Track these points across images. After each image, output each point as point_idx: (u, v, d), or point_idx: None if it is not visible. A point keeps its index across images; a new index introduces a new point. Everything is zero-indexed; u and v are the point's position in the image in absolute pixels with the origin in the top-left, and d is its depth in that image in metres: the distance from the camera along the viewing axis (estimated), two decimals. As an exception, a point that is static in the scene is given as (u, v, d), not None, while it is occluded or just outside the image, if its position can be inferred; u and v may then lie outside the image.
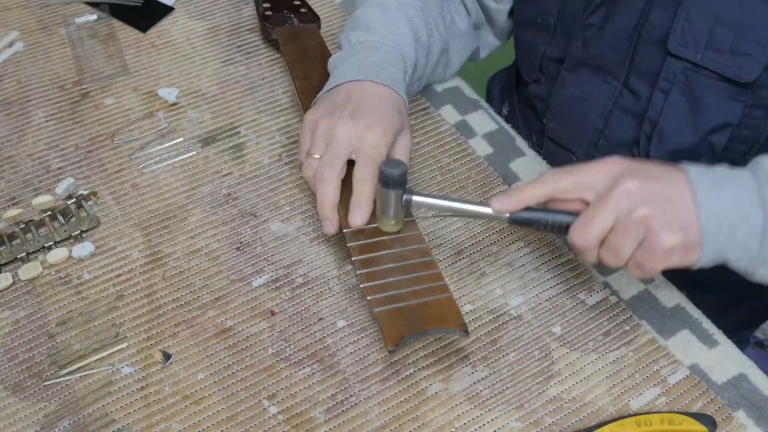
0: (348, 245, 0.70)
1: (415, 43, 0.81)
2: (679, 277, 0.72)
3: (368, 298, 0.65)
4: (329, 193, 0.70)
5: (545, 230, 0.65)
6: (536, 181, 0.64)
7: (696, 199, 0.58)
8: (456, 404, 0.66)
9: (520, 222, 0.65)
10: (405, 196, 0.67)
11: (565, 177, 0.63)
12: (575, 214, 0.63)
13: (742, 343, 1.01)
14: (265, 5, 0.96)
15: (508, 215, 0.65)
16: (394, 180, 0.66)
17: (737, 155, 0.76)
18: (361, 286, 0.67)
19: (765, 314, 1.02)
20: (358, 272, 0.67)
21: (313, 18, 0.95)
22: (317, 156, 0.72)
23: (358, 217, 0.69)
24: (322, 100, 0.76)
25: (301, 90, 0.84)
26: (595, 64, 0.80)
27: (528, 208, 0.64)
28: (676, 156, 0.77)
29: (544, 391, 0.67)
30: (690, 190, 0.59)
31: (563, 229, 0.64)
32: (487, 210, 0.65)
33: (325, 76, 0.80)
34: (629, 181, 0.59)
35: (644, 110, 0.77)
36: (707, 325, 0.72)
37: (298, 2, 0.98)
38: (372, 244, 0.69)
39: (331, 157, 0.71)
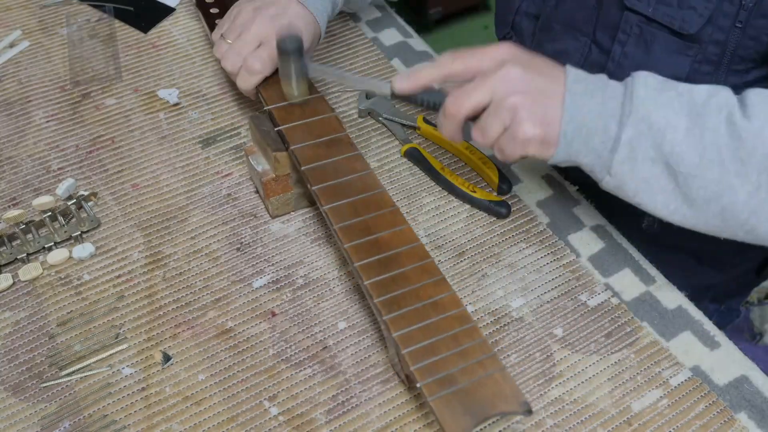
0: (383, 318, 0.61)
1: None
2: (654, 239, 0.82)
3: (418, 385, 0.58)
4: (251, 80, 0.79)
5: (428, 108, 0.69)
6: (433, 65, 0.66)
7: (564, 101, 0.62)
8: (457, 406, 0.65)
9: (403, 99, 0.69)
10: (303, 62, 0.73)
11: (459, 60, 0.65)
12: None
13: (732, 311, 1.03)
14: (218, 21, 0.88)
15: (390, 90, 0.68)
16: (287, 47, 0.71)
17: None
18: (412, 368, 0.59)
19: (750, 282, 1.04)
20: (403, 352, 0.59)
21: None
22: (229, 41, 0.80)
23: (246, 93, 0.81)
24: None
25: (281, 120, 0.77)
26: (566, 22, 0.83)
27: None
28: None
29: (545, 392, 0.67)
30: (562, 91, 0.63)
31: (440, 106, 0.67)
32: (384, 88, 0.69)
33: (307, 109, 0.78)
34: (513, 68, 0.63)
35: (606, 62, 0.81)
36: (709, 326, 0.72)
37: None
38: (410, 315, 0.62)
39: (240, 47, 0.79)
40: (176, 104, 0.90)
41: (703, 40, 0.73)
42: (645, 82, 0.62)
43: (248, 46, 0.79)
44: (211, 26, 0.87)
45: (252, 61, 0.78)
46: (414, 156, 0.83)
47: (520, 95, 0.62)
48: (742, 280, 1.02)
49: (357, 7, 1.00)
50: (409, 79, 0.67)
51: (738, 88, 0.64)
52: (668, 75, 0.72)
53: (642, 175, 0.62)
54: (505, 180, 0.81)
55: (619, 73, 0.79)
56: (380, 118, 0.85)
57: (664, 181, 0.62)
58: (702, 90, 0.62)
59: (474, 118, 0.65)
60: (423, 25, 2.33)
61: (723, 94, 0.61)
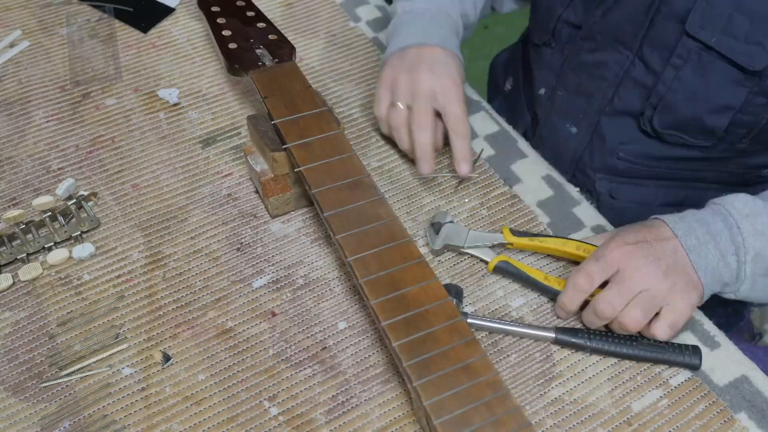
0: (413, 385, 0.58)
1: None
2: None
3: None
4: (427, 137, 0.77)
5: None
6: (572, 289, 0.69)
7: (691, 262, 0.67)
8: (457, 406, 0.65)
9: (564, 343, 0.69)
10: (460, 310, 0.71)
11: (596, 279, 0.68)
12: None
13: (738, 314, 1.03)
14: (225, 33, 0.84)
15: (554, 336, 0.69)
16: (450, 292, 0.71)
17: (736, 138, 0.80)
18: None
19: None
20: (435, 422, 0.56)
21: (287, 48, 0.82)
22: (402, 105, 0.78)
23: (465, 167, 0.77)
24: (391, 62, 0.81)
25: (302, 161, 0.71)
26: (611, 34, 0.82)
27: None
28: (678, 127, 0.81)
29: (545, 392, 0.67)
30: (684, 253, 0.67)
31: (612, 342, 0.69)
32: (547, 335, 0.69)
33: (322, 134, 0.74)
34: (646, 261, 0.66)
35: (654, 83, 0.80)
36: (709, 326, 0.72)
37: (263, 25, 0.86)
38: (440, 381, 0.58)
39: (421, 106, 0.77)
40: (176, 104, 0.90)
41: (764, 75, 0.73)
42: (740, 212, 0.68)
43: (429, 105, 0.77)
44: (213, 26, 0.86)
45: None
46: (505, 270, 0.74)
47: (666, 280, 0.66)
48: None
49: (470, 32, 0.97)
50: (561, 312, 0.71)
51: None
52: (722, 104, 0.74)
53: (762, 287, 0.69)
54: None
55: (669, 97, 0.79)
56: (462, 250, 0.76)
57: None
58: None
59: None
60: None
61: None
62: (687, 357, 0.67)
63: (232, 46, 0.82)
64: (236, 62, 0.80)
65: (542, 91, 0.94)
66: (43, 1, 1.02)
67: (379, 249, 0.65)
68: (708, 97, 0.76)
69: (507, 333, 0.70)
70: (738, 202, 0.69)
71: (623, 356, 0.68)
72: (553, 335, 0.68)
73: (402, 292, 0.62)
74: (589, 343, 0.68)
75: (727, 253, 0.68)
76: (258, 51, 0.81)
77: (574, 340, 0.68)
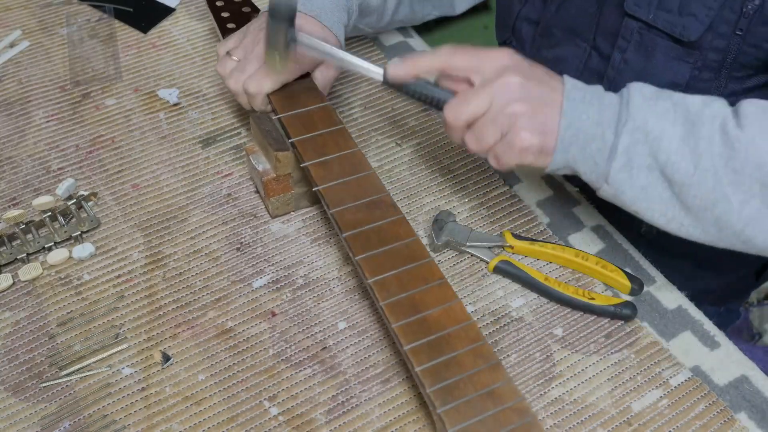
0: (437, 411, 0.57)
1: None
2: (652, 243, 0.81)
3: None
4: (255, 102, 0.77)
5: (420, 100, 0.68)
6: (431, 54, 0.66)
7: (563, 108, 0.63)
8: (457, 406, 0.65)
9: (396, 87, 0.68)
10: (290, 33, 0.69)
11: (459, 56, 0.65)
12: (453, 93, 0.66)
13: (731, 313, 1.03)
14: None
15: (382, 76, 0.67)
16: (280, 11, 0.67)
17: None
18: None
19: (749, 285, 1.04)
20: None
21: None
22: (235, 58, 0.78)
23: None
24: (259, 17, 0.81)
25: (319, 180, 0.70)
26: (567, 28, 0.83)
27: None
28: None
29: (545, 392, 0.67)
30: (561, 100, 0.63)
31: (438, 104, 0.67)
32: (377, 73, 0.68)
33: (340, 151, 0.72)
34: (513, 77, 0.63)
35: (605, 69, 0.80)
36: (709, 326, 0.72)
37: None
38: (465, 407, 0.57)
39: (242, 67, 0.77)
40: (176, 104, 0.90)
41: (704, 47, 0.73)
42: (641, 91, 0.63)
43: (251, 66, 0.76)
44: (219, 21, 0.86)
45: (249, 83, 0.76)
46: (506, 270, 0.74)
47: (520, 104, 0.62)
48: (741, 284, 1.02)
49: (374, 26, 0.93)
50: (405, 66, 0.67)
51: (738, 95, 0.65)
52: (668, 82, 0.73)
53: (639, 183, 0.63)
54: (635, 279, 0.74)
55: (618, 80, 0.79)
56: (463, 248, 0.76)
57: (660, 189, 0.62)
58: (696, 100, 0.62)
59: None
60: (423, 25, 2.32)
61: (717, 103, 0.62)
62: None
63: None
64: None
65: None
66: (43, 1, 1.02)
67: (400, 270, 0.64)
68: (654, 75, 0.76)
69: (338, 62, 0.70)
70: (646, 86, 0.64)
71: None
72: (381, 76, 0.68)
73: (424, 314, 0.61)
74: (425, 89, 0.67)
75: (606, 124, 0.63)
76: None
77: (408, 84, 0.67)
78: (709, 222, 0.62)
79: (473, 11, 1.03)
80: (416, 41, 1.01)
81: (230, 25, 0.86)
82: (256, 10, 0.89)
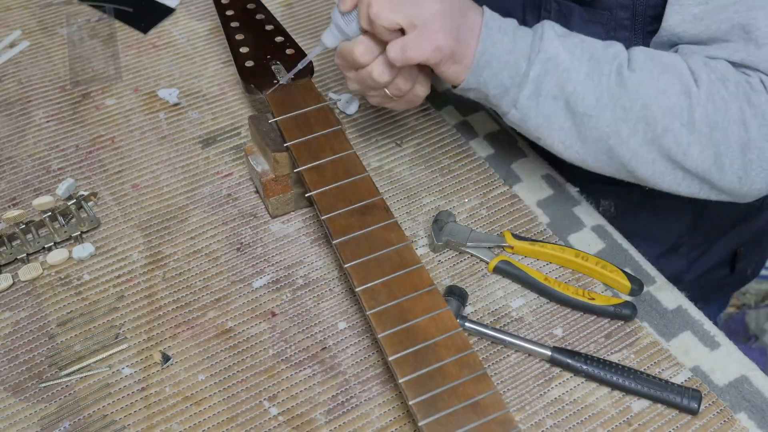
0: (419, 424, 0.57)
1: None
2: (614, 222, 0.81)
3: None
4: None
5: None
6: None
7: (480, 33, 0.66)
8: (457, 406, 0.65)
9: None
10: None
11: None
12: None
13: (719, 302, 1.03)
14: (242, 50, 0.82)
15: (550, 353, 0.67)
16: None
17: None
18: None
19: (724, 281, 1.04)
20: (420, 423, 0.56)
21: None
22: None
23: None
24: None
25: (312, 185, 0.70)
26: (499, 8, 0.82)
27: None
28: None
29: (545, 392, 0.67)
30: (479, 23, 0.67)
31: None
32: (544, 351, 0.68)
33: (334, 155, 0.72)
34: (435, 5, 0.64)
35: None
36: (709, 326, 0.72)
37: (281, 39, 0.84)
38: (448, 420, 0.57)
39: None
40: (176, 104, 0.90)
41: (612, 7, 0.75)
42: (552, 27, 0.68)
43: None
44: (231, 42, 0.84)
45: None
46: (506, 270, 0.74)
47: (441, 4, 0.64)
48: (717, 278, 1.02)
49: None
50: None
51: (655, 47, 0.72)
52: None
53: (544, 111, 0.68)
54: (635, 280, 0.73)
55: None
56: (463, 248, 0.76)
57: (562, 118, 0.68)
58: (600, 42, 0.69)
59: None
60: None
61: (617, 46, 0.68)
62: (685, 400, 0.65)
63: (249, 64, 0.81)
64: (252, 82, 0.79)
65: None
66: (43, 1, 1.02)
67: (389, 277, 0.63)
68: None
69: (502, 343, 0.69)
70: (557, 26, 0.69)
71: (618, 387, 0.66)
72: (549, 353, 0.67)
73: (410, 323, 0.61)
74: (584, 367, 0.66)
75: (519, 54, 0.67)
76: (274, 67, 0.80)
77: (569, 361, 0.67)
78: (601, 151, 0.69)
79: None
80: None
81: (234, 24, 0.86)
82: (261, 6, 0.89)
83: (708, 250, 0.97)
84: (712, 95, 0.66)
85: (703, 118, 0.66)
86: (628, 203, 0.79)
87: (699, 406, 0.65)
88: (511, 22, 0.69)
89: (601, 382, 0.66)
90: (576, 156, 0.70)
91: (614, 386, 0.66)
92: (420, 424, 0.56)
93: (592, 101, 0.66)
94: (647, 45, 0.76)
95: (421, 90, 0.73)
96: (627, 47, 0.75)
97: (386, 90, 0.70)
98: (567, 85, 0.66)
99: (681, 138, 0.66)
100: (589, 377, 0.67)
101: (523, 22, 0.82)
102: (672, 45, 0.72)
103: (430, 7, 0.64)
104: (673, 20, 0.70)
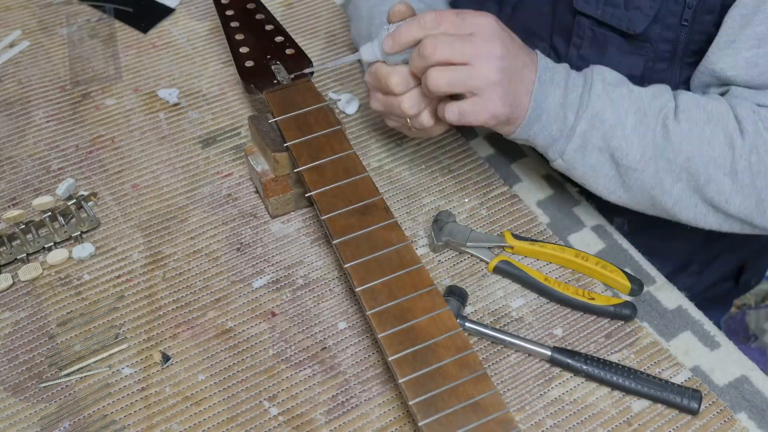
0: (419, 424, 0.56)
1: None
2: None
3: None
4: None
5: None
6: (417, 24, 0.65)
7: (534, 89, 0.67)
8: (457, 406, 0.65)
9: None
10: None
11: (445, 25, 0.65)
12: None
13: (721, 310, 1.03)
14: (242, 50, 0.82)
15: (550, 353, 0.67)
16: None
17: None
18: None
19: (729, 292, 1.05)
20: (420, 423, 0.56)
21: (303, 62, 0.81)
22: None
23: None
24: None
25: (312, 185, 0.70)
26: (525, 28, 0.83)
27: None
28: None
29: (545, 392, 0.67)
30: (533, 78, 0.67)
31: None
32: (544, 351, 0.68)
33: (334, 155, 0.72)
34: (498, 46, 0.64)
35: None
36: (709, 326, 0.72)
37: (281, 39, 0.84)
38: (448, 420, 0.56)
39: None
40: (176, 104, 0.90)
41: (653, 39, 0.75)
42: (602, 77, 0.68)
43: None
44: (231, 42, 0.84)
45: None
46: (506, 270, 0.74)
47: (500, 73, 0.64)
48: (720, 290, 1.02)
49: None
50: (393, 38, 0.66)
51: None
52: (624, 74, 0.74)
53: (590, 161, 0.69)
54: (635, 280, 0.73)
55: None
56: (463, 248, 0.76)
57: (607, 168, 0.69)
58: (648, 92, 0.69)
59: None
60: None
61: (665, 96, 0.69)
62: (685, 400, 0.65)
63: (249, 64, 0.81)
64: (251, 82, 0.79)
65: None
66: (43, 1, 1.02)
67: (389, 278, 0.63)
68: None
69: (502, 343, 0.69)
70: (608, 72, 0.69)
71: (618, 387, 0.66)
72: (549, 353, 0.67)
73: (411, 323, 0.61)
74: (584, 367, 0.66)
75: (569, 107, 0.68)
76: (273, 67, 0.80)
77: (569, 361, 0.67)
78: (645, 199, 0.71)
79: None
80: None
81: (234, 24, 0.85)
82: (261, 6, 0.89)
83: (715, 265, 0.98)
84: (757, 146, 0.67)
85: (746, 168, 0.67)
86: (641, 221, 0.79)
87: (699, 406, 0.65)
88: (563, 71, 0.69)
89: (602, 382, 0.66)
90: (619, 200, 0.72)
91: (614, 386, 0.66)
92: (420, 424, 0.56)
93: (637, 156, 0.68)
94: (686, 76, 0.76)
95: (441, 129, 0.73)
96: (665, 78, 0.76)
97: (408, 120, 0.70)
98: (612, 140, 0.67)
99: (723, 187, 0.67)
100: (590, 377, 0.67)
101: (552, 45, 0.82)
102: (716, 82, 0.72)
103: (489, 77, 0.64)
104: (724, 64, 0.70)
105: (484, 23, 0.65)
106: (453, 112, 0.66)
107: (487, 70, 0.64)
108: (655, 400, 0.66)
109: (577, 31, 0.79)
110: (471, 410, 0.57)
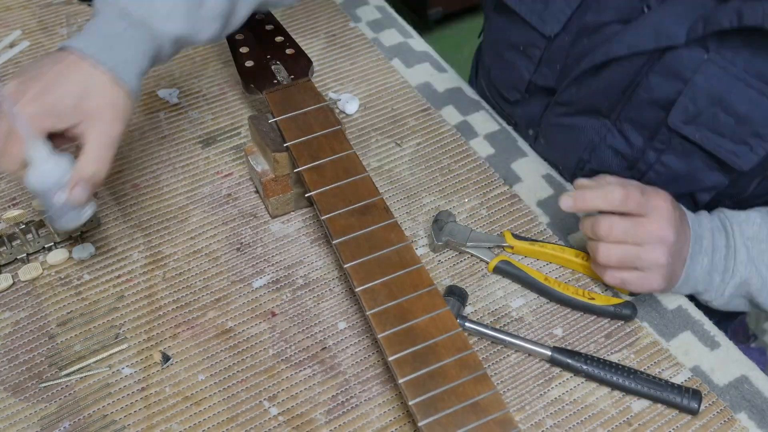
0: (418, 424, 0.57)
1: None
2: None
3: None
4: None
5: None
6: (600, 192, 0.67)
7: (686, 264, 0.69)
8: (457, 406, 0.65)
9: (558, 363, 0.68)
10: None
11: (630, 201, 0.66)
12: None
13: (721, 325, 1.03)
14: (242, 50, 0.83)
15: (550, 353, 0.68)
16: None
17: (718, 206, 0.77)
18: None
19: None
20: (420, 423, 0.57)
21: (303, 62, 0.81)
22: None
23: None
24: (41, 60, 0.65)
25: (312, 185, 0.70)
26: (587, 103, 0.80)
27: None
28: None
29: (545, 392, 0.67)
30: (686, 254, 0.69)
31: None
32: (544, 351, 0.68)
33: (334, 155, 0.72)
34: (669, 230, 0.66)
35: (635, 159, 0.78)
36: (709, 326, 0.72)
37: (281, 39, 0.84)
38: (448, 420, 0.57)
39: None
40: (176, 104, 0.90)
41: (746, 172, 0.72)
42: (742, 235, 0.70)
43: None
44: (231, 42, 0.83)
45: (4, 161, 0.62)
46: (506, 270, 0.74)
47: (668, 258, 0.67)
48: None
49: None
50: (575, 201, 0.68)
51: None
52: (707, 186, 0.75)
53: (731, 305, 0.72)
54: None
55: (650, 175, 0.77)
56: (463, 248, 0.76)
57: (742, 305, 0.73)
58: None
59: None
60: (423, 25, 2.33)
61: None
62: (685, 400, 0.65)
63: (249, 64, 0.81)
64: (251, 82, 0.79)
65: (530, 131, 0.91)
66: (43, 1, 1.02)
67: (389, 278, 0.63)
68: (692, 181, 0.75)
69: (502, 343, 0.69)
70: (747, 226, 0.70)
71: (618, 387, 0.66)
72: (549, 353, 0.67)
73: (411, 323, 0.61)
74: (584, 367, 0.66)
75: (715, 270, 0.70)
76: (273, 67, 0.80)
77: (569, 361, 0.67)
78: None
79: (473, 11, 1.02)
80: (416, 41, 1.01)
81: (243, 48, 0.83)
82: (271, 19, 0.86)
83: None
84: None
85: None
86: None
87: (699, 406, 0.65)
88: (708, 235, 0.70)
89: (602, 382, 0.66)
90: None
91: (614, 386, 0.66)
92: (420, 424, 0.56)
93: (767, 301, 0.71)
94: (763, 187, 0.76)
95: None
96: (745, 188, 0.76)
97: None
98: (752, 293, 0.70)
99: None
100: (589, 377, 0.67)
101: (620, 131, 0.78)
102: None
103: (658, 261, 0.66)
104: None
105: (663, 207, 0.67)
106: (614, 279, 0.69)
107: (659, 255, 0.66)
108: (655, 400, 0.66)
109: (662, 138, 0.74)
110: (471, 410, 0.57)
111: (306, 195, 0.70)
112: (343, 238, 0.66)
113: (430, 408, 0.57)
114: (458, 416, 0.57)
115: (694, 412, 0.65)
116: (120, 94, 0.64)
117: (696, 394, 0.65)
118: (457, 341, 0.60)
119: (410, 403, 0.57)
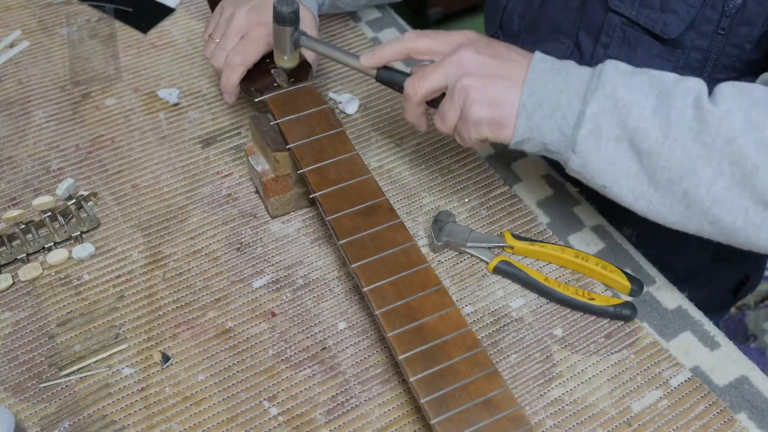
0: (431, 422, 0.57)
1: None
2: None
3: None
4: (231, 76, 0.78)
5: (390, 86, 0.71)
6: (397, 40, 0.69)
7: (526, 78, 0.63)
8: (457, 406, 0.65)
9: (385, 81, 0.71)
10: (295, 34, 0.75)
11: (422, 39, 0.68)
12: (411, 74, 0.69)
13: (718, 317, 1.03)
14: None
15: (375, 72, 0.71)
16: (283, 17, 0.73)
17: None
18: None
19: (727, 302, 1.05)
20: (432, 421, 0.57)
21: (303, 66, 0.81)
22: (216, 40, 0.80)
23: (226, 98, 0.81)
24: None
25: (316, 186, 0.70)
26: (551, 23, 0.83)
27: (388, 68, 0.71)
28: None
29: (545, 393, 0.67)
30: (522, 74, 0.63)
31: (401, 87, 0.69)
32: (356, 63, 0.71)
33: (337, 156, 0.72)
34: (466, 52, 0.64)
35: (588, 64, 0.78)
36: (709, 327, 0.72)
37: None
38: (460, 417, 0.57)
39: (224, 43, 0.79)
40: (176, 104, 0.90)
41: (686, 46, 0.74)
42: (616, 66, 0.62)
43: (231, 41, 0.79)
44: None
45: (231, 56, 0.77)
46: (505, 271, 0.74)
47: (471, 77, 0.63)
48: (718, 300, 1.03)
49: (352, 4, 0.98)
50: (373, 55, 0.70)
51: None
52: None
53: (607, 154, 0.61)
54: (635, 280, 0.73)
55: None
56: (463, 248, 0.75)
57: (628, 162, 0.60)
58: (673, 75, 0.61)
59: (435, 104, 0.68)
60: (423, 25, 2.33)
61: (693, 80, 0.60)
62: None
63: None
64: (252, 86, 0.79)
65: None
66: (43, 1, 1.02)
67: (396, 277, 0.63)
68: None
69: (331, 57, 0.74)
70: (622, 64, 0.62)
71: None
72: (375, 72, 0.71)
73: (420, 322, 0.61)
74: (392, 77, 0.71)
75: (572, 92, 0.61)
76: (273, 70, 0.79)
77: (397, 77, 0.70)
78: (677, 197, 0.60)
79: (473, 11, 1.03)
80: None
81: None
82: None
83: (719, 279, 0.98)
84: None
85: None
86: (649, 232, 0.76)
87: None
88: (567, 63, 0.64)
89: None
90: (651, 207, 0.62)
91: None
92: (432, 422, 0.56)
93: (659, 137, 0.58)
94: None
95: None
96: None
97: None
98: (629, 121, 0.59)
99: None
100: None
101: (576, 42, 0.81)
102: None
103: (464, 82, 0.64)
104: None
105: (456, 37, 0.67)
106: (457, 139, 0.68)
107: (461, 82, 0.64)
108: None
109: (607, 30, 0.77)
110: (483, 407, 0.57)
111: (310, 196, 0.70)
112: (349, 239, 0.66)
113: (442, 406, 0.57)
114: (470, 413, 0.57)
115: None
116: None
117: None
118: (466, 339, 0.60)
119: (422, 401, 0.57)
